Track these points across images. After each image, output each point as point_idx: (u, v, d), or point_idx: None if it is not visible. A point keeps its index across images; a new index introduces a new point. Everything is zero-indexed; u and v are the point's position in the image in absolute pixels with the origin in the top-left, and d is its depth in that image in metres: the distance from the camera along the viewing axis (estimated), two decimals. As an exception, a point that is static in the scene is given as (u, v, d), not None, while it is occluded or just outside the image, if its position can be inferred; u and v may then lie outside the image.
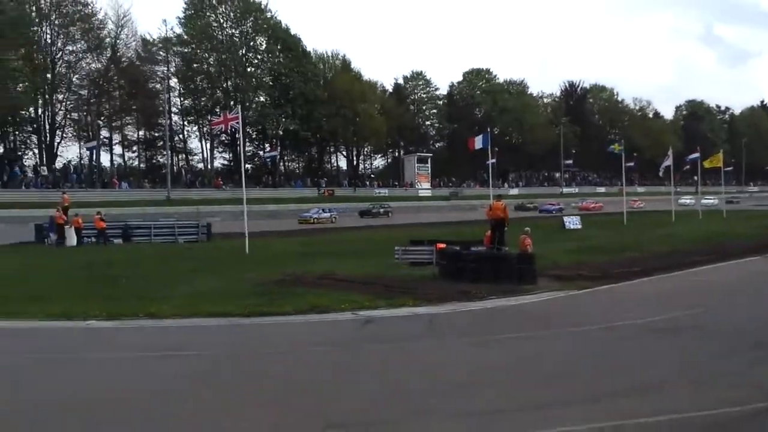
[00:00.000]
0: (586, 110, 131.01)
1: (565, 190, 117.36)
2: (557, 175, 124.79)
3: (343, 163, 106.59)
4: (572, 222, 49.72)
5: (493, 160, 49.08)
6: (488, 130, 52.76)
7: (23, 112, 68.33)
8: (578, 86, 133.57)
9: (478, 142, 41.09)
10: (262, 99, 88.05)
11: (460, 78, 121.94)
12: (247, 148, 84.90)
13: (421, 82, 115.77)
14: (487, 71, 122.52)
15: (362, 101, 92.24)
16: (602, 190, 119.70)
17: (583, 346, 12.97)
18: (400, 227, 50.75)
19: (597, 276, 21.52)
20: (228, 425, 8.61)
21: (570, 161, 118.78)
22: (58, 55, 70.90)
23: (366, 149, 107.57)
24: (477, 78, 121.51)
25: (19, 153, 70.82)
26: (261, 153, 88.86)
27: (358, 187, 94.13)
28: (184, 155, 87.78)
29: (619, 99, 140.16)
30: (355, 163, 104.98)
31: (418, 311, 16.46)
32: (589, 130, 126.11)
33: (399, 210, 76.48)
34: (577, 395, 9.50)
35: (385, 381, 10.58)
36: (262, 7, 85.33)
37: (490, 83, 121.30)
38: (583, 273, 21.94)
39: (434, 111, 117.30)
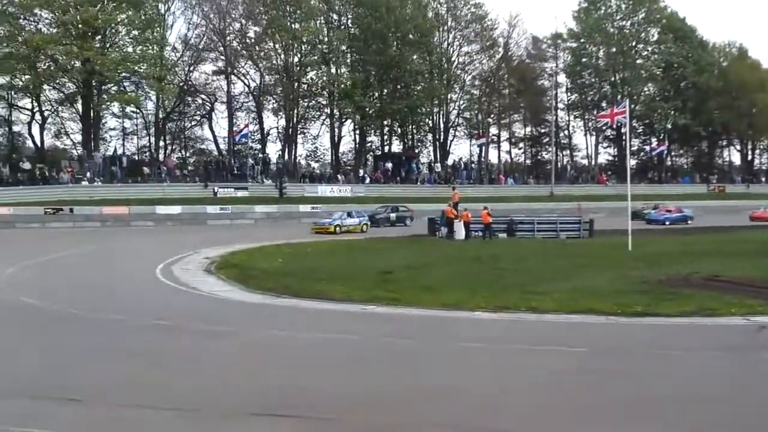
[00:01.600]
0: None
1: None
2: None
3: (736, 158, 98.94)
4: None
5: None
6: None
7: (420, 111, 73.58)
8: None
9: None
10: (650, 91, 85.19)
11: None
12: (632, 143, 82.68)
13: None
14: None
15: (760, 91, 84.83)
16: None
17: None
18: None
19: None
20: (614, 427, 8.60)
21: None
22: (453, 57, 75.28)
23: (763, 143, 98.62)
24: None
25: (417, 150, 76.48)
26: (647, 148, 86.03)
27: (752, 184, 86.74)
28: (568, 151, 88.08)
29: None
30: (749, 158, 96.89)
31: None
32: None
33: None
34: None
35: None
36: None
37: None
38: None
39: None
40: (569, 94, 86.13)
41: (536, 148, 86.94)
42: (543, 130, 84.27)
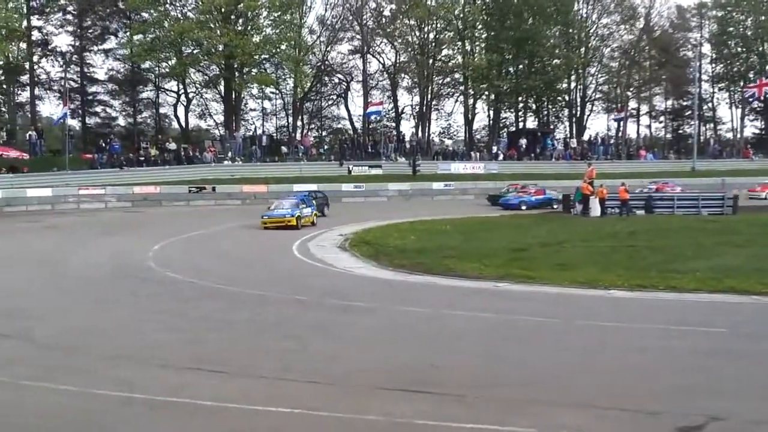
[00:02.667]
0: None
1: None
2: None
3: None
4: None
5: None
6: None
7: (556, 87, 72.23)
8: None
9: None
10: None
11: None
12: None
13: None
14: None
15: None
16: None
17: None
18: None
19: None
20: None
21: None
22: (592, 30, 73.29)
23: None
24: None
25: (552, 126, 75.16)
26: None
27: None
28: (712, 124, 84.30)
29: None
30: None
31: None
32: None
33: None
34: None
35: None
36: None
37: None
38: None
39: None
40: (714, 65, 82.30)
41: (678, 121, 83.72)
42: (685, 103, 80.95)
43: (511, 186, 48.21)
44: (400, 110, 70.47)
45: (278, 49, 59.24)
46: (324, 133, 73.51)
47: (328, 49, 66.38)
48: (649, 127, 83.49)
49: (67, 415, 8.67)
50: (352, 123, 70.51)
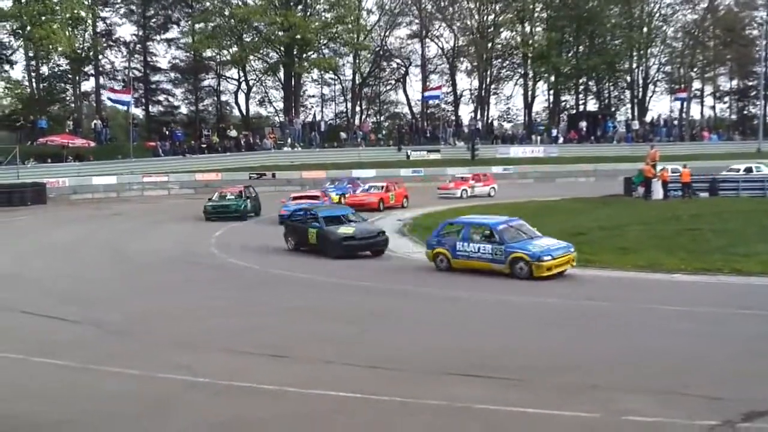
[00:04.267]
0: None
1: None
2: None
3: None
4: None
5: None
6: None
7: (618, 67, 71.06)
8: None
9: None
10: None
11: None
12: None
13: None
14: None
15: None
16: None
17: None
18: None
19: None
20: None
21: None
22: (655, 9, 71.86)
23: None
24: None
25: (613, 109, 73.93)
26: None
27: None
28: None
29: None
30: None
31: None
32: None
33: None
34: None
35: None
36: None
37: None
38: None
39: None
40: (780, 43, 79.96)
41: (743, 102, 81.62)
42: (750, 83, 78.86)
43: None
44: (458, 94, 70.16)
45: (337, 33, 59.46)
46: (382, 119, 73.49)
47: (387, 33, 66.42)
48: (714, 108, 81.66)
49: (130, 398, 8.96)
50: (410, 108, 70.45)
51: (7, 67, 56.03)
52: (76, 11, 51.78)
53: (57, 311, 13.98)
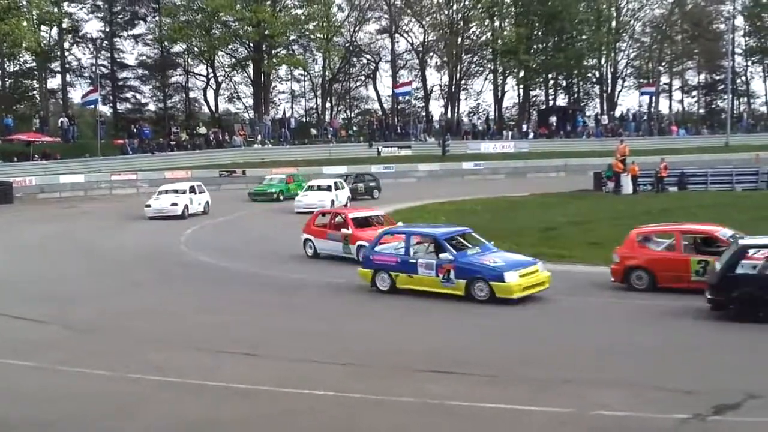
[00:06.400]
0: None
1: None
2: None
3: None
4: None
5: None
6: None
7: (586, 64, 71.49)
8: None
9: None
10: None
11: None
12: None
13: None
14: None
15: None
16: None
17: None
18: None
19: None
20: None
21: None
22: (622, 4, 72.35)
23: None
24: None
25: (582, 103, 74.39)
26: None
27: None
28: (745, 98, 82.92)
29: None
30: None
31: None
32: None
33: None
34: None
35: None
36: None
37: None
38: None
39: None
40: (747, 38, 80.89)
41: (711, 96, 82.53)
42: (718, 77, 79.71)
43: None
44: (429, 90, 70.13)
45: (306, 29, 59.19)
46: (353, 115, 73.34)
47: (356, 29, 66.23)
48: (682, 102, 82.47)
49: (102, 399, 8.82)
50: (380, 104, 70.31)
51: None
52: (43, 9, 50.93)
53: (27, 312, 13.77)
